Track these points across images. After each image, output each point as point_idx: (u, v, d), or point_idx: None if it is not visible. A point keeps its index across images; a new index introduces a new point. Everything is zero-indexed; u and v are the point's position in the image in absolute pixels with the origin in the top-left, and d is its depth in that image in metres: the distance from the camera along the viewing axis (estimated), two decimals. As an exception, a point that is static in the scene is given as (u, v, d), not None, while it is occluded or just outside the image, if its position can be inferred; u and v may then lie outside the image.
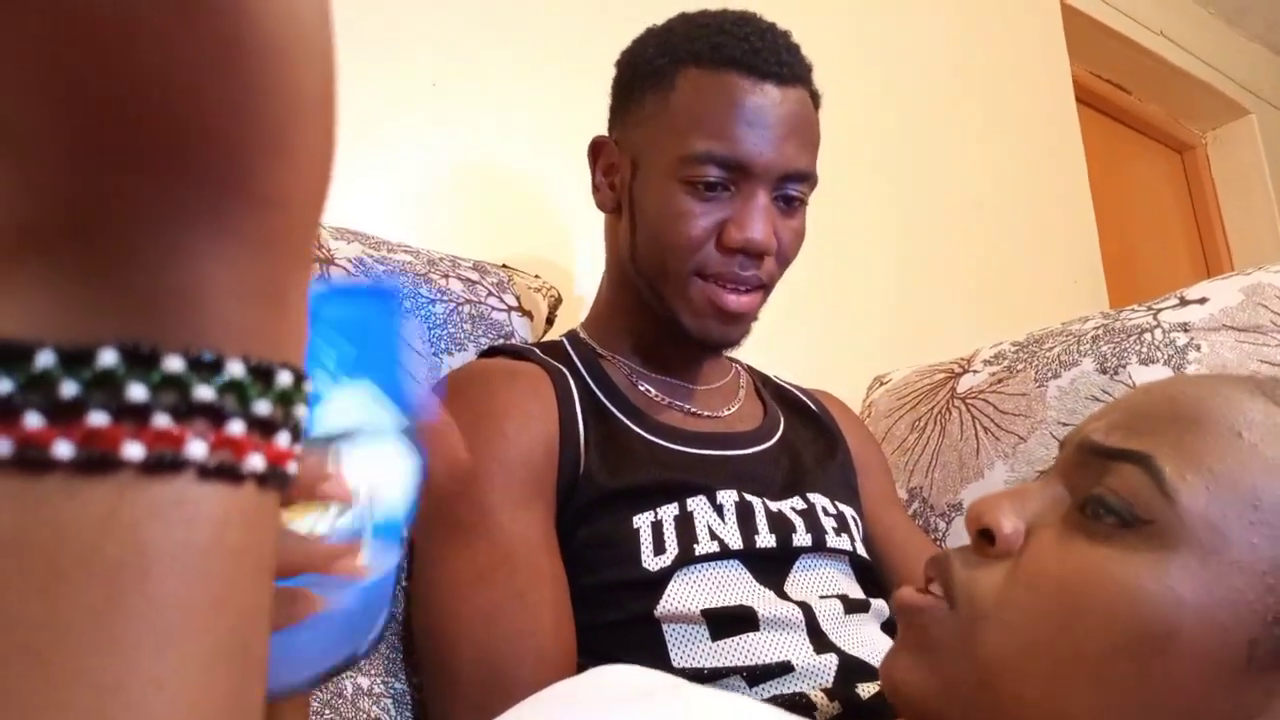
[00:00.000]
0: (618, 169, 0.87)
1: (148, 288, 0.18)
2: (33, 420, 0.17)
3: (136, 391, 0.17)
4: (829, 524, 0.82)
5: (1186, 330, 0.98)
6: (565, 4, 1.33)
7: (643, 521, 0.76)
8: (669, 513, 0.76)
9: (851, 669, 0.71)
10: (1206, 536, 0.39)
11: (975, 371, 1.15)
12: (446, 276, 0.95)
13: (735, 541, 0.76)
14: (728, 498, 0.78)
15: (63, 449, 0.17)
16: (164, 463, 0.18)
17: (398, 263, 0.93)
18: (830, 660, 0.71)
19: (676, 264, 0.81)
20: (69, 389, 0.17)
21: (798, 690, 0.69)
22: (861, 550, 0.85)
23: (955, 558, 0.47)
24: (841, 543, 0.82)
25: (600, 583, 0.74)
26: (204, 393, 0.18)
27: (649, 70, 0.84)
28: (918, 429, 1.16)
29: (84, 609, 0.17)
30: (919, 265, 1.76)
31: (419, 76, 1.18)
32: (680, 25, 0.85)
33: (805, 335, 1.46)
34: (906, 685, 0.46)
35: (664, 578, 0.73)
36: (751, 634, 0.72)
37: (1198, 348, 0.96)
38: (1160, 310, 1.02)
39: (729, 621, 0.72)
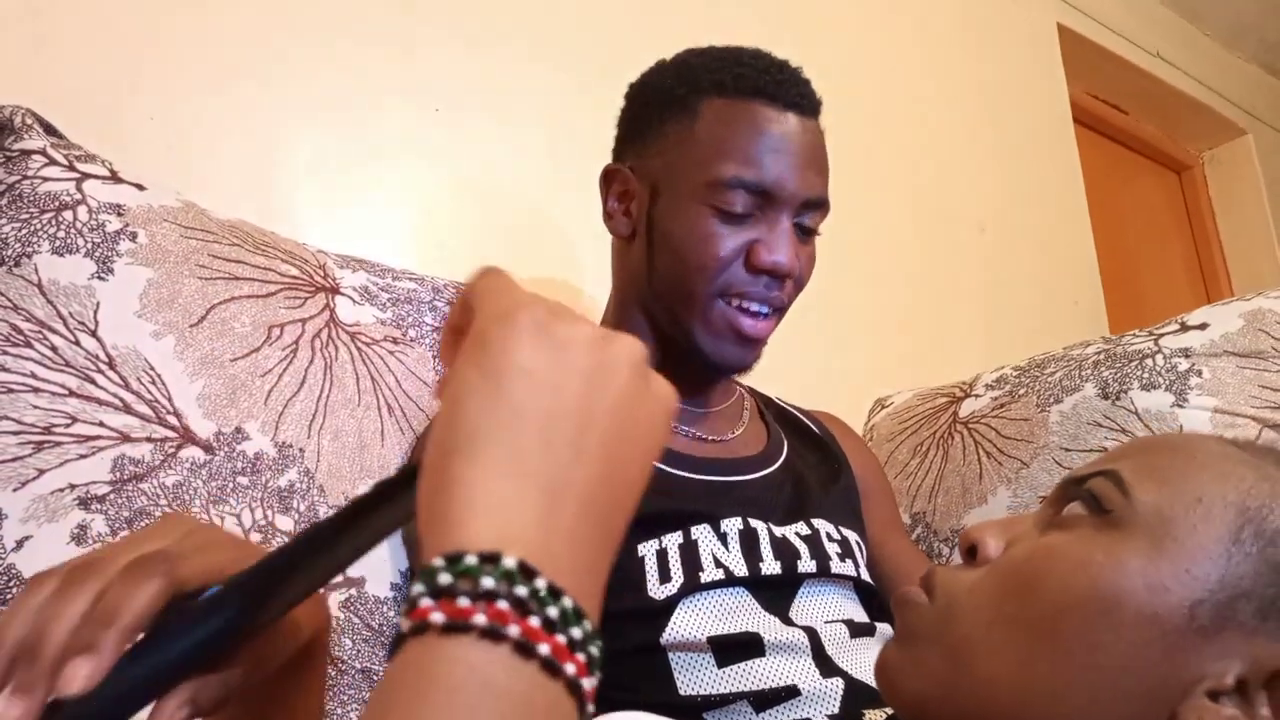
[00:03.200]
0: (633, 195, 0.88)
1: None
2: (464, 602, 0.27)
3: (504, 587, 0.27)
4: (833, 550, 0.82)
5: (1188, 356, 0.98)
6: (568, 31, 1.35)
7: (647, 550, 0.76)
8: (673, 541, 0.76)
9: (858, 693, 0.71)
10: (1155, 521, 0.45)
11: (977, 396, 1.16)
12: (451, 304, 0.95)
13: (740, 568, 0.76)
14: (731, 525, 0.78)
15: (480, 619, 0.27)
16: (497, 633, 0.26)
17: (402, 290, 0.93)
18: (836, 684, 0.71)
19: (702, 284, 0.82)
20: (487, 583, 0.27)
21: (804, 716, 0.69)
22: (865, 575, 0.85)
23: (942, 567, 0.52)
24: (845, 568, 0.82)
25: (605, 612, 0.74)
26: (552, 612, 0.27)
27: (669, 100, 0.85)
28: (920, 453, 1.16)
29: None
30: (920, 288, 1.76)
31: (422, 103, 1.19)
32: (696, 58, 0.87)
33: (807, 357, 1.46)
34: (893, 675, 0.51)
35: (669, 606, 0.73)
36: (757, 659, 0.72)
37: (1199, 373, 0.96)
38: (1161, 335, 1.03)
39: (735, 648, 0.72)
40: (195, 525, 0.43)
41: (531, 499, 0.29)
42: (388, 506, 0.38)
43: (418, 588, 0.27)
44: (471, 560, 0.27)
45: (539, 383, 0.31)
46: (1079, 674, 0.44)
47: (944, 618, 0.49)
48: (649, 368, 0.35)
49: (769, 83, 0.82)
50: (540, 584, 0.27)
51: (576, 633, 0.28)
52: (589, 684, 0.28)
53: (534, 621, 0.27)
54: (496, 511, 0.29)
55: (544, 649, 0.27)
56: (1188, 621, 0.43)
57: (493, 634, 0.26)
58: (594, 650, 0.28)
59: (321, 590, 0.51)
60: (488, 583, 0.27)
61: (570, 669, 0.27)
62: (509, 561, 0.27)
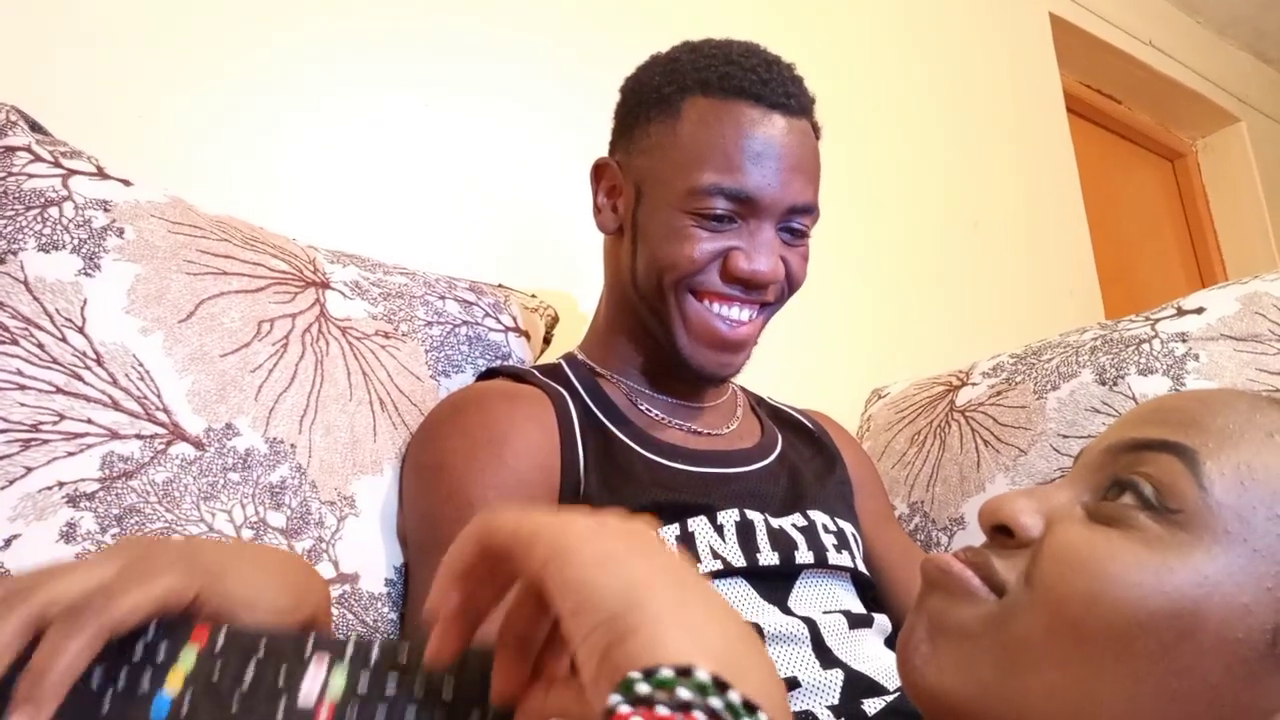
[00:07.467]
0: (620, 192, 0.87)
1: None
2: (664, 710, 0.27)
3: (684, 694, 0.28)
4: (829, 541, 0.82)
5: (1184, 340, 0.98)
6: (557, 26, 1.34)
7: (644, 542, 0.75)
8: (670, 533, 0.76)
9: (857, 685, 0.71)
10: (1234, 526, 0.40)
11: (974, 384, 1.15)
12: (443, 298, 0.95)
13: (738, 559, 0.75)
14: (728, 517, 0.78)
15: None
16: None
17: (394, 285, 0.92)
18: (836, 676, 0.71)
19: (671, 279, 0.81)
20: (684, 694, 0.27)
21: (805, 708, 0.69)
22: (862, 566, 0.85)
23: (989, 550, 0.45)
24: (842, 559, 0.82)
25: None
26: (715, 703, 0.28)
27: (655, 98, 0.84)
28: (917, 442, 1.16)
29: None
30: (915, 278, 1.76)
31: (411, 98, 1.18)
32: (687, 55, 0.85)
33: (804, 347, 1.46)
34: (925, 669, 0.44)
35: None
36: (756, 652, 0.71)
37: (1196, 358, 0.96)
38: (1158, 320, 1.02)
39: None
40: (142, 552, 0.42)
41: (714, 622, 0.31)
42: None
43: (614, 698, 0.28)
44: (667, 673, 0.28)
45: (635, 552, 0.34)
46: (1150, 699, 0.39)
47: (1002, 614, 0.43)
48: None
49: (754, 82, 0.80)
50: (734, 697, 0.28)
51: None
52: None
53: None
54: (686, 632, 0.30)
55: None
56: (1269, 648, 0.39)
57: None
58: None
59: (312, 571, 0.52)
60: (684, 694, 0.27)
61: None
62: (702, 674, 0.28)
